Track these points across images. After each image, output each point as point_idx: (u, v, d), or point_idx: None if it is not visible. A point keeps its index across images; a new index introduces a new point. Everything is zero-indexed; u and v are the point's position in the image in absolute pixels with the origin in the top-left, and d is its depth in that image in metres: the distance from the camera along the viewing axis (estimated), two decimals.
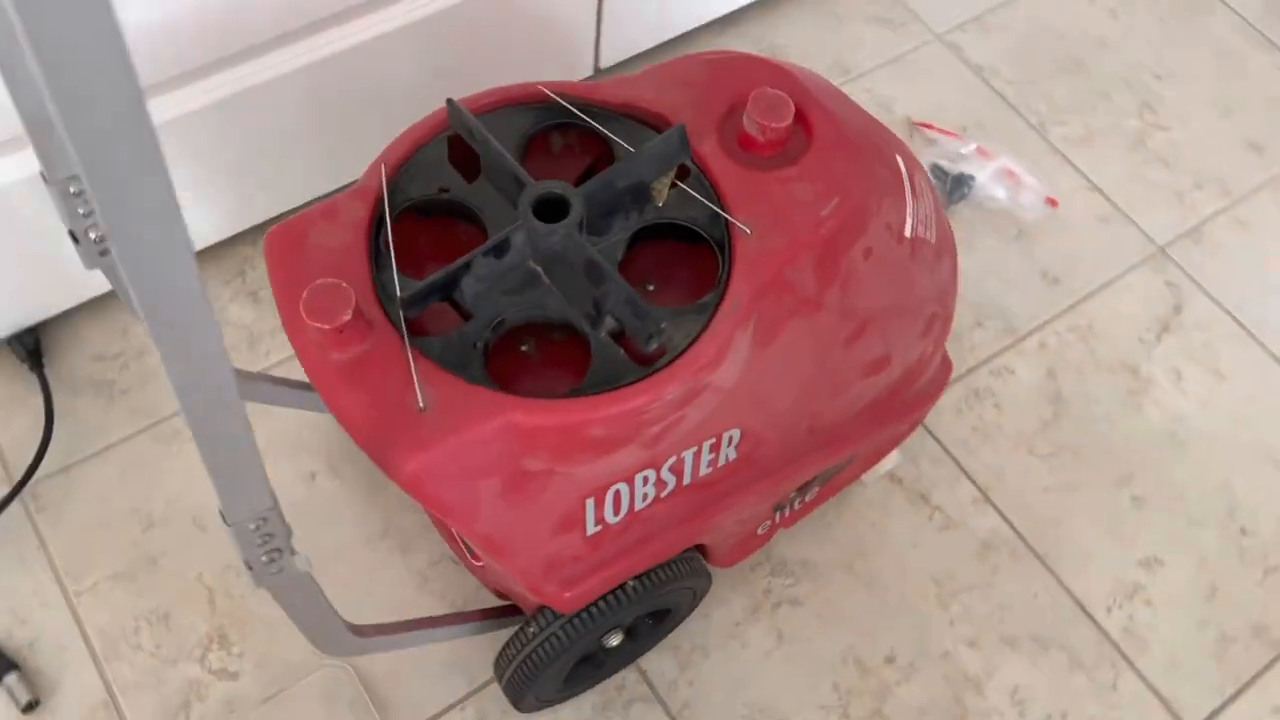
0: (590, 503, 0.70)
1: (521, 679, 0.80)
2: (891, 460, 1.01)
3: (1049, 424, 1.08)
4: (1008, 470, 1.05)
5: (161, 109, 0.91)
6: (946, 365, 0.92)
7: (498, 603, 0.90)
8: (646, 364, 0.65)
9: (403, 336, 0.63)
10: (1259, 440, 1.08)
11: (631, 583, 0.78)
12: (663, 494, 0.74)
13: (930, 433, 1.06)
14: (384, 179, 0.68)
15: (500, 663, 0.82)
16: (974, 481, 1.04)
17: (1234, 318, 1.15)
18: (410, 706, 0.90)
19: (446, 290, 0.64)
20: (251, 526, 0.50)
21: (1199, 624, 0.99)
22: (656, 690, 0.93)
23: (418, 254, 0.69)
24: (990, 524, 1.02)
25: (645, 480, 0.72)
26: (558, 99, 0.72)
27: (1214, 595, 1.00)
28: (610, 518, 0.72)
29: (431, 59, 1.02)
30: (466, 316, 0.66)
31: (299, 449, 1.00)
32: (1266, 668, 0.97)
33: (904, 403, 0.88)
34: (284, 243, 0.66)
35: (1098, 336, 1.13)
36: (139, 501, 0.98)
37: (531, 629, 0.78)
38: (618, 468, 0.69)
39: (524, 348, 0.70)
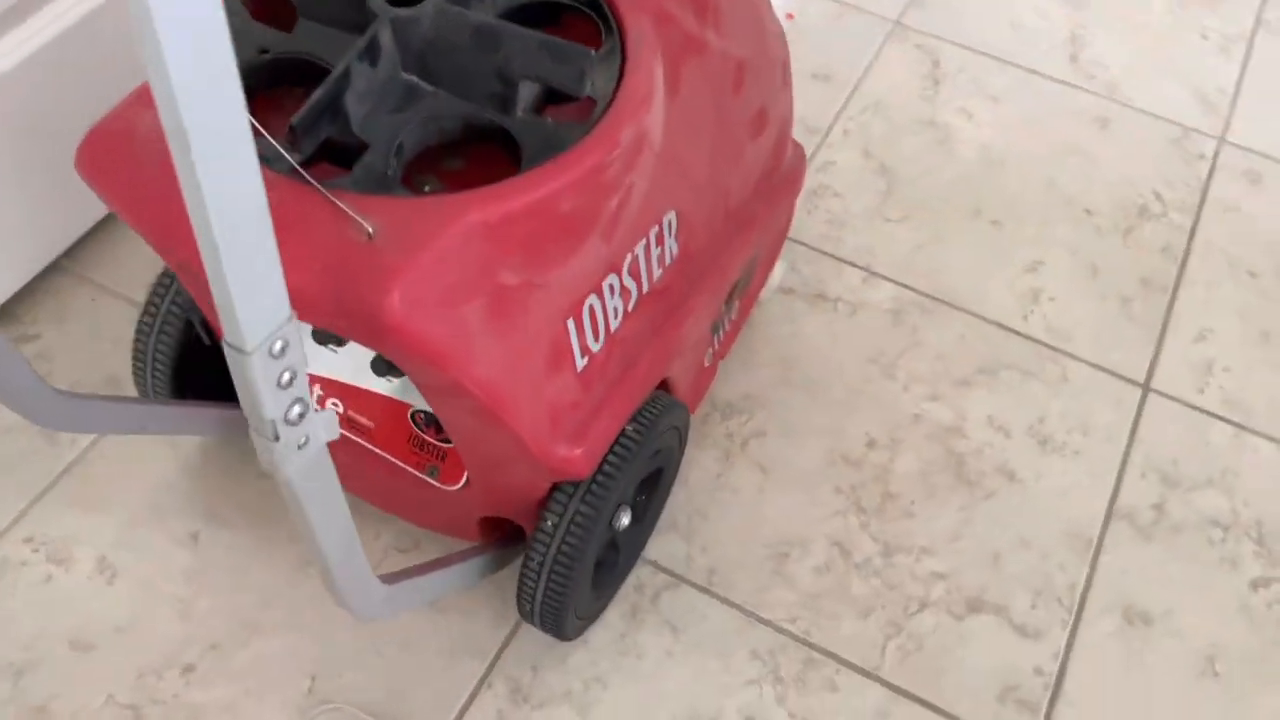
0: (571, 325, 0.61)
1: (556, 588, 0.69)
2: (779, 273, 0.97)
3: (888, 194, 1.09)
4: (877, 244, 1.05)
5: None
6: (799, 149, 0.90)
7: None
8: (581, 122, 0.57)
9: (306, 178, 0.51)
10: (1053, 136, 1.15)
11: (629, 428, 0.69)
12: (629, 305, 0.66)
13: (797, 240, 1.04)
14: None
15: (525, 588, 0.70)
16: (855, 265, 1.03)
17: (981, 52, 1.22)
18: (432, 709, 0.76)
19: (332, 114, 0.53)
20: (276, 348, 0.38)
21: (1100, 298, 1.02)
22: (674, 572, 0.83)
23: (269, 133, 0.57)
24: (888, 294, 1.01)
25: (612, 290, 0.64)
26: None
27: (1097, 272, 1.04)
28: (592, 344, 0.64)
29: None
30: (357, 154, 0.56)
31: (167, 512, 0.83)
32: (1169, 308, 1.02)
33: (782, 179, 0.85)
34: (106, 148, 0.53)
35: (887, 108, 1.16)
36: None
37: (549, 522, 0.67)
38: (586, 270, 0.61)
39: (428, 188, 0.60)
